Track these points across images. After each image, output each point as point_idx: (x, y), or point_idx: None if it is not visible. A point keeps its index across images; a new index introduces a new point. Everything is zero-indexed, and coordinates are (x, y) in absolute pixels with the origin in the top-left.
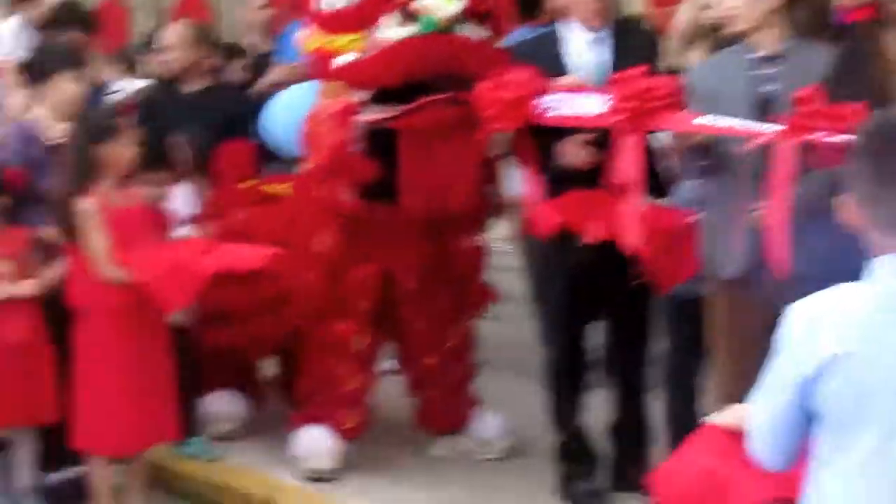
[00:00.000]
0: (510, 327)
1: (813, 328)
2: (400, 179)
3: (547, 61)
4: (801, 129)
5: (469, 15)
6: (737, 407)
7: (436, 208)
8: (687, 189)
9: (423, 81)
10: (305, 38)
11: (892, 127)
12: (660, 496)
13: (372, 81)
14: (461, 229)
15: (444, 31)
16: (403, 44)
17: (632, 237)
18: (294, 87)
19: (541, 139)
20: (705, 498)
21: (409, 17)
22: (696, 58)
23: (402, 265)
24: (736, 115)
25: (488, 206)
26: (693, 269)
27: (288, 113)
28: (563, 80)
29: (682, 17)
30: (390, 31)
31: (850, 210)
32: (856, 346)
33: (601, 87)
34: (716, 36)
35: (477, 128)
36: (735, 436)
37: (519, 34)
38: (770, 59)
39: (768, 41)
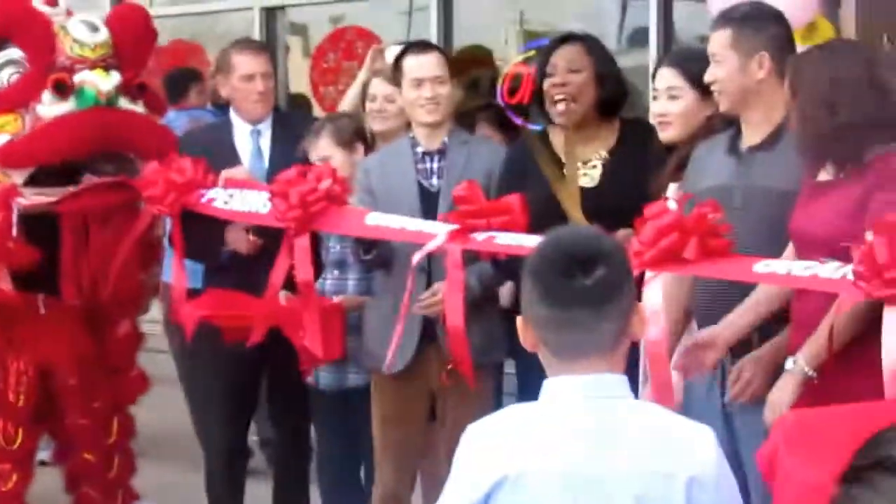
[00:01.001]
0: (167, 413)
1: (485, 449)
2: (61, 266)
3: (219, 150)
4: (464, 230)
5: (124, 90)
6: None
7: (96, 295)
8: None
9: (83, 160)
10: None
11: (562, 248)
12: None
13: (31, 160)
14: (119, 316)
15: (104, 105)
16: (63, 119)
17: (311, 337)
18: None
19: (204, 226)
20: None
21: (66, 92)
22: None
23: (60, 359)
24: (404, 209)
25: (146, 290)
26: (337, 353)
27: None
28: (233, 172)
29: (346, 104)
30: (48, 108)
31: (524, 329)
32: (527, 466)
33: (267, 183)
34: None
35: (139, 212)
36: None
37: (169, 117)
38: (433, 154)
39: (432, 135)
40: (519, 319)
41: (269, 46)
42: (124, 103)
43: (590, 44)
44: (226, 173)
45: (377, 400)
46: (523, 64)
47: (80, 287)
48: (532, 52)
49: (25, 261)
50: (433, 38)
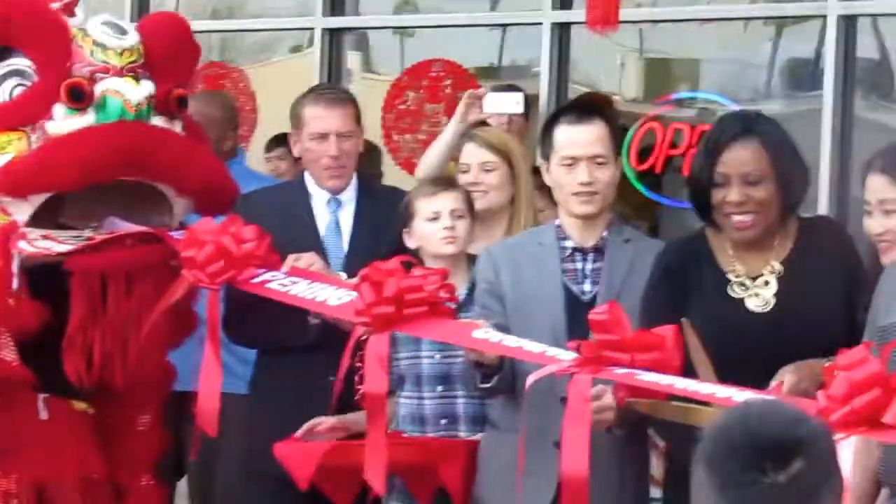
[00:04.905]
0: None
1: None
2: (66, 337)
3: (290, 220)
4: (597, 361)
5: (159, 105)
6: None
7: (109, 377)
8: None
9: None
10: None
11: (748, 432)
12: None
13: (37, 185)
14: (137, 407)
15: (132, 119)
16: (79, 134)
17: (373, 469)
18: None
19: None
20: None
21: (84, 101)
22: None
23: (61, 480)
24: (543, 321)
25: (173, 374)
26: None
27: None
28: (304, 261)
29: (427, 166)
30: (61, 123)
31: None
32: None
33: (348, 279)
34: None
35: (174, 274)
36: None
37: None
38: (587, 252)
39: (587, 228)
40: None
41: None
42: (158, 121)
43: (767, 138)
44: (293, 261)
45: None
46: (655, 120)
47: (90, 365)
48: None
49: (32, 322)
50: (545, 71)
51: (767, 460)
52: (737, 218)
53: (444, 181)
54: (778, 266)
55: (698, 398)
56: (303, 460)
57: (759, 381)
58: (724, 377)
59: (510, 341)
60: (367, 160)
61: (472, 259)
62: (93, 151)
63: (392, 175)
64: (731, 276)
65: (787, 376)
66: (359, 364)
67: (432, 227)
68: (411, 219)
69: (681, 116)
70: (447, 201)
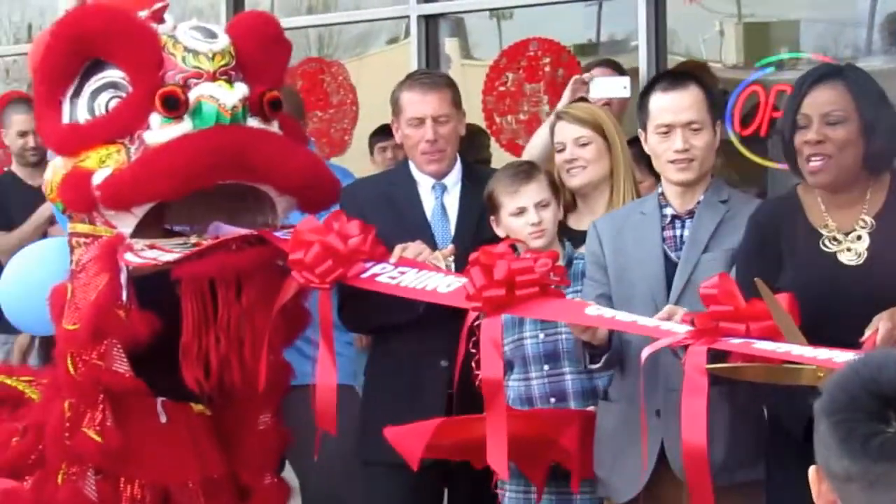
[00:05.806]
0: None
1: None
2: (182, 344)
3: (397, 207)
4: (712, 332)
5: (254, 107)
6: None
7: (228, 381)
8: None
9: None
10: (52, 171)
11: (870, 381)
12: None
13: (140, 195)
14: (257, 408)
15: (228, 123)
16: (177, 142)
17: (494, 451)
18: (34, 247)
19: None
20: None
21: (179, 109)
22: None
23: (184, 482)
24: (642, 289)
25: (289, 372)
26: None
27: (27, 277)
28: (410, 250)
29: (535, 150)
30: (157, 132)
31: (818, 483)
32: None
33: (458, 268)
34: None
35: (283, 274)
36: None
37: None
38: (684, 219)
39: (687, 195)
40: (811, 471)
41: (445, 77)
42: (254, 123)
43: (853, 82)
44: (400, 251)
45: None
46: (757, 84)
47: (207, 371)
48: (768, 72)
49: (143, 333)
50: (643, 44)
51: (891, 409)
52: (812, 161)
53: (523, 172)
54: (870, 220)
55: (816, 364)
56: (413, 439)
57: (853, 334)
58: (819, 331)
59: (624, 316)
60: (477, 144)
61: (568, 234)
62: (192, 158)
63: (498, 157)
64: (822, 231)
65: (881, 324)
66: (473, 350)
67: (519, 221)
68: (496, 210)
69: (782, 78)
70: (530, 195)
